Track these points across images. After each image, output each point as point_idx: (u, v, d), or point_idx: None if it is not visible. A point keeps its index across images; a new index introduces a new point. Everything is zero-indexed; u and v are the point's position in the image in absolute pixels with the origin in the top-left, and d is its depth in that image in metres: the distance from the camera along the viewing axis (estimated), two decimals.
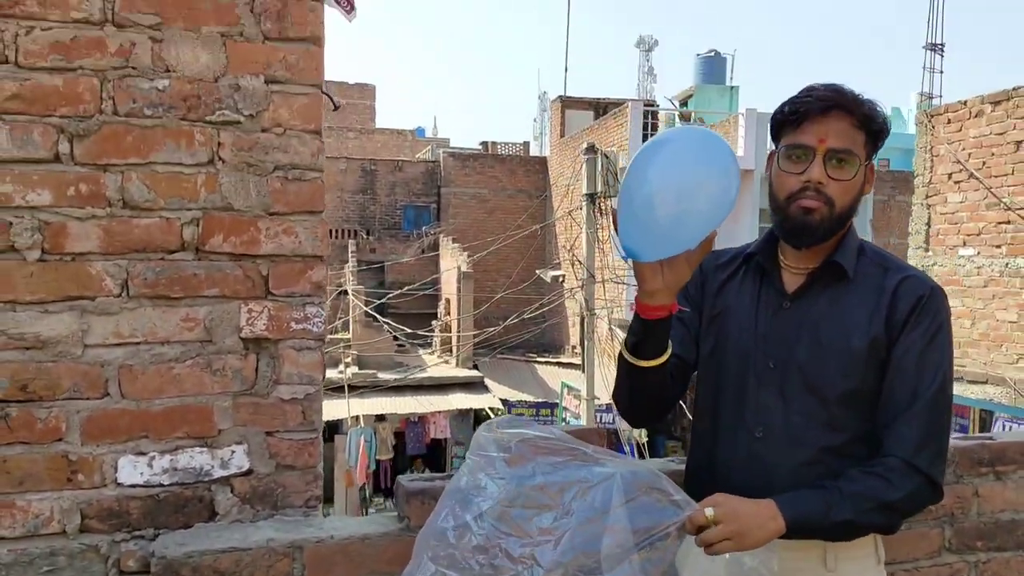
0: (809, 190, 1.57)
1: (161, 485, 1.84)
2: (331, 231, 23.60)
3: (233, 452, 1.88)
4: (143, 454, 1.82)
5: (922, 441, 1.54)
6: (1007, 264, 7.64)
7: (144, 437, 1.83)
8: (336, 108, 2.09)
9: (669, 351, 1.64)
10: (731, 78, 29.46)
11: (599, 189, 9.33)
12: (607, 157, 9.67)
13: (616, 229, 1.54)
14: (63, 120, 1.74)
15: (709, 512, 1.45)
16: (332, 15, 2.78)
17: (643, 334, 1.61)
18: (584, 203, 9.65)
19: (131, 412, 1.81)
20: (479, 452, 1.64)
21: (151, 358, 1.82)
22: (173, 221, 1.82)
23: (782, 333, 1.64)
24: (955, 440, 2.33)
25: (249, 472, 1.89)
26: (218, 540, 1.77)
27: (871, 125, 1.57)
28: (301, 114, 1.88)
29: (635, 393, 1.73)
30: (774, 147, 1.67)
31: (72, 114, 1.74)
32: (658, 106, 21.75)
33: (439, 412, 15.89)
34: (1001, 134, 7.68)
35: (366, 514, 10.48)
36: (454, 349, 18.22)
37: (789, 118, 1.58)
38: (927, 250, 8.58)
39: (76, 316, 1.77)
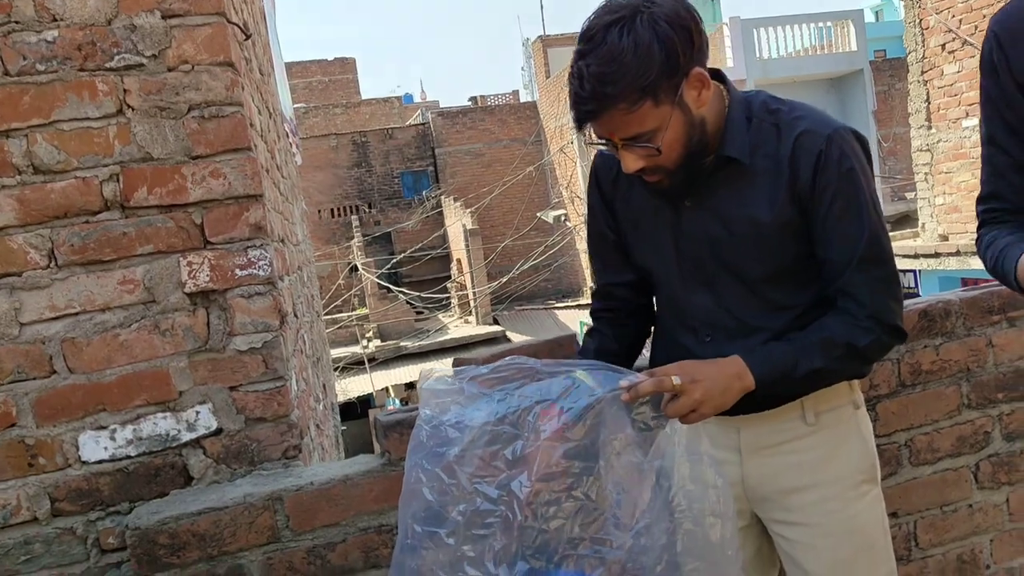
0: (638, 175, 1.46)
1: (128, 457, 1.76)
2: (332, 210, 23.52)
3: (198, 413, 1.79)
4: (103, 428, 1.74)
5: (873, 291, 1.46)
6: None
7: (102, 410, 1.74)
8: (247, 37, 1.95)
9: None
10: None
11: None
12: None
13: None
14: None
15: (676, 380, 1.38)
16: None
17: None
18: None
19: (83, 387, 1.73)
20: (433, 401, 1.54)
21: (94, 327, 1.73)
22: (91, 180, 1.71)
23: (691, 232, 1.54)
24: (959, 292, 2.20)
25: (219, 431, 1.81)
26: (193, 503, 1.69)
27: (645, 82, 1.35)
28: (207, 47, 1.75)
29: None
30: None
31: None
32: None
33: None
34: None
35: None
36: (472, 306, 18.16)
37: (574, 123, 1.43)
38: (929, 127, 8.33)
39: (6, 295, 1.68)
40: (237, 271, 1.79)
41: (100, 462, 1.74)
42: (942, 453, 2.12)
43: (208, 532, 1.67)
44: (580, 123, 1.41)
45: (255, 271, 1.80)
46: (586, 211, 1.76)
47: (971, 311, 2.13)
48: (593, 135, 1.44)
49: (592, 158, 1.74)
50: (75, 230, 1.70)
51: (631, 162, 1.42)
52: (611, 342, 1.70)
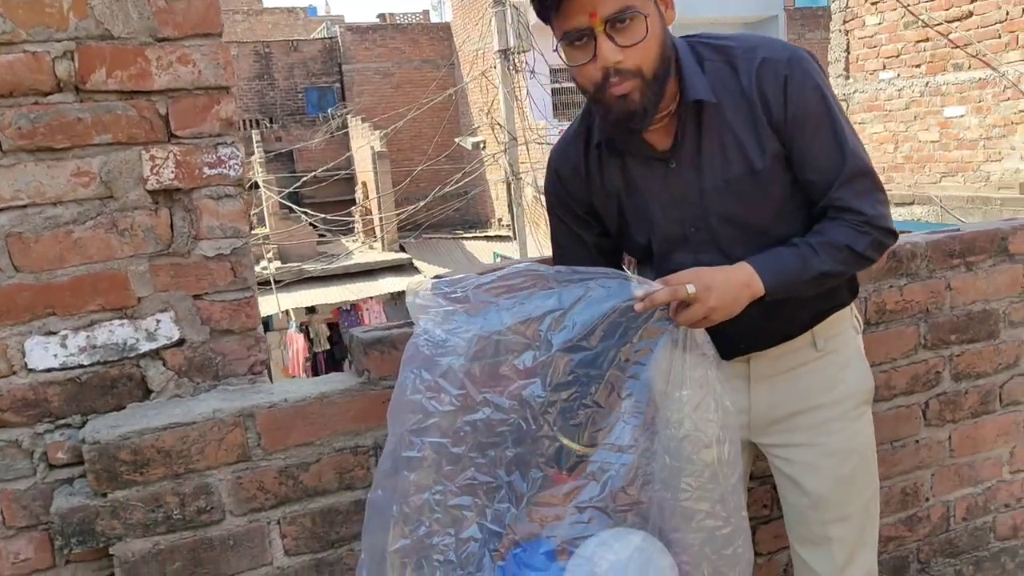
0: (611, 75, 1.35)
1: (81, 366, 1.61)
2: None
3: (159, 322, 1.65)
4: (53, 334, 1.58)
5: (863, 199, 1.47)
6: (927, 83, 7.62)
7: (51, 315, 1.58)
8: None
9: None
10: None
11: (512, 44, 8.89)
12: (516, 8, 9.20)
13: None
14: None
15: (691, 288, 1.37)
16: None
17: None
18: (498, 61, 9.22)
19: (31, 287, 1.56)
20: (431, 311, 1.46)
21: (44, 222, 1.55)
22: (41, 56, 1.51)
23: (684, 195, 1.49)
24: (924, 235, 2.24)
25: (181, 342, 1.67)
26: (157, 417, 1.57)
27: None
28: None
29: None
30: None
31: None
32: None
33: (371, 298, 15.64)
34: None
35: None
36: (378, 232, 17.84)
37: (547, 3, 1.33)
38: (847, 77, 8.49)
39: None
40: (206, 169, 1.64)
41: (49, 370, 1.58)
42: (897, 391, 2.18)
43: (174, 448, 1.55)
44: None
45: (225, 170, 1.66)
46: (548, 217, 1.68)
47: (935, 253, 2.17)
48: (569, 24, 1.33)
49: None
50: (23, 111, 1.51)
51: (610, 52, 1.32)
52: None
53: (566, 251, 1.64)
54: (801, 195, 1.51)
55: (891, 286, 2.13)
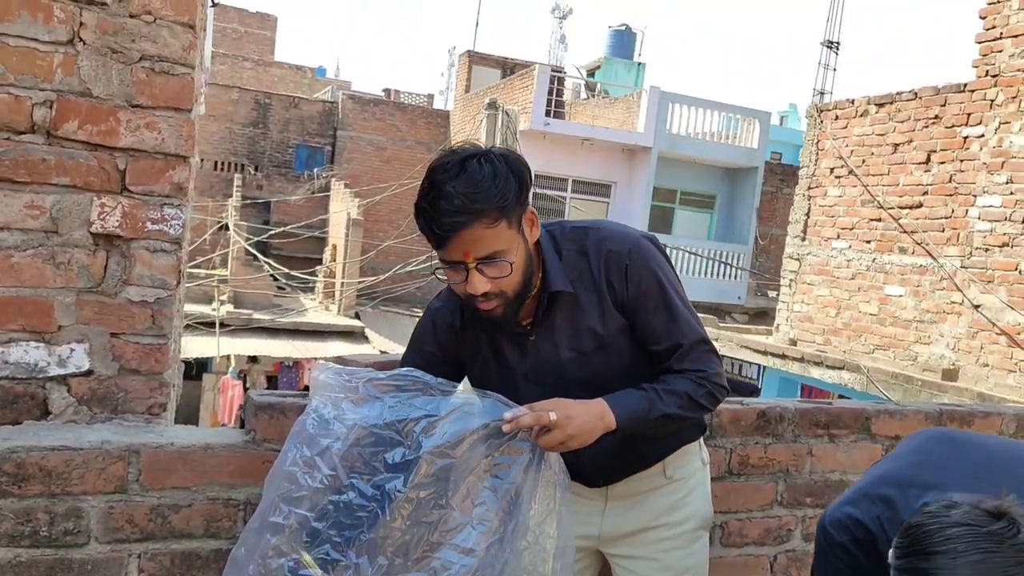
0: (477, 299, 1.60)
1: None
2: (216, 163, 22.75)
3: (73, 350, 1.79)
4: None
5: (700, 362, 1.72)
6: (874, 259, 8.06)
7: None
8: (215, 4, 1.98)
9: None
10: (639, 54, 29.79)
11: (497, 145, 9.21)
12: (508, 115, 9.63)
13: None
14: None
15: (553, 416, 1.56)
16: None
17: None
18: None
19: None
20: (325, 394, 1.63)
21: None
22: (23, 100, 1.70)
23: (544, 362, 1.74)
24: (796, 402, 2.45)
25: (89, 373, 1.81)
26: (48, 437, 1.69)
27: (504, 203, 1.54)
28: (174, 5, 1.78)
29: None
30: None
31: None
32: (565, 73, 21.81)
33: (315, 359, 15.65)
34: (882, 135, 8.05)
35: None
36: (337, 295, 17.94)
37: (434, 241, 1.58)
38: (804, 239, 8.96)
39: None
40: (148, 224, 1.81)
41: None
42: (749, 540, 2.35)
43: (56, 469, 1.67)
44: (444, 237, 1.54)
45: (166, 228, 1.83)
46: (410, 341, 1.85)
47: (802, 420, 2.38)
48: (448, 256, 1.57)
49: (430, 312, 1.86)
50: None
51: (479, 284, 1.57)
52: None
53: (416, 362, 1.79)
54: (645, 357, 1.75)
55: (757, 442, 2.32)
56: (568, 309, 1.70)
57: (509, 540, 1.62)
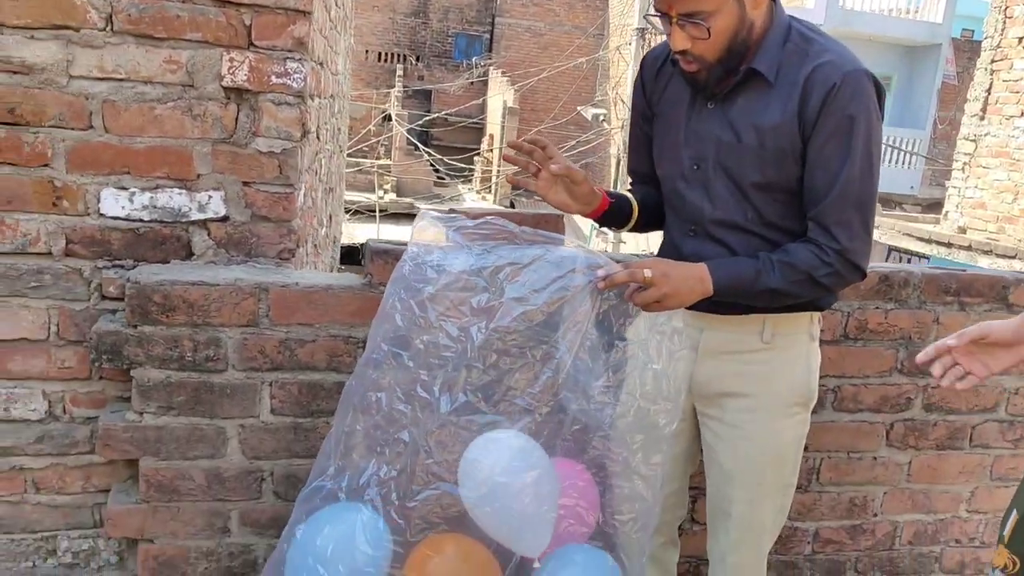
0: (679, 56, 1.58)
1: (141, 220, 1.94)
2: (379, 54, 23.20)
3: (210, 197, 1.96)
4: (125, 189, 1.91)
5: (843, 227, 1.58)
6: None
7: (126, 173, 1.91)
8: None
9: (635, 211, 1.84)
10: None
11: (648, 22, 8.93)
12: None
13: None
14: None
15: (648, 272, 1.55)
16: None
17: (602, 223, 1.87)
18: (633, 38, 9.30)
19: (114, 147, 1.89)
20: (421, 240, 1.70)
21: (134, 96, 1.88)
22: None
23: (704, 133, 1.68)
24: (926, 268, 2.34)
25: (225, 218, 1.98)
26: (190, 274, 1.89)
27: None
28: None
29: (648, 228, 1.92)
30: None
31: None
32: None
33: None
34: None
35: None
36: (493, 184, 18.21)
37: None
38: (982, 118, 8.24)
39: (62, 45, 1.82)
40: (273, 77, 1.93)
41: (116, 218, 1.92)
42: (864, 406, 2.31)
43: (197, 302, 1.86)
44: None
45: (289, 82, 1.94)
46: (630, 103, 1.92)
47: (929, 286, 2.28)
48: (658, 4, 1.57)
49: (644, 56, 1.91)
50: (135, 1, 1.83)
51: (679, 40, 1.56)
52: (650, 199, 1.87)
53: (633, 154, 1.91)
54: (785, 193, 1.64)
55: (877, 307, 2.25)
56: (756, 94, 1.62)
57: (613, 388, 1.67)
